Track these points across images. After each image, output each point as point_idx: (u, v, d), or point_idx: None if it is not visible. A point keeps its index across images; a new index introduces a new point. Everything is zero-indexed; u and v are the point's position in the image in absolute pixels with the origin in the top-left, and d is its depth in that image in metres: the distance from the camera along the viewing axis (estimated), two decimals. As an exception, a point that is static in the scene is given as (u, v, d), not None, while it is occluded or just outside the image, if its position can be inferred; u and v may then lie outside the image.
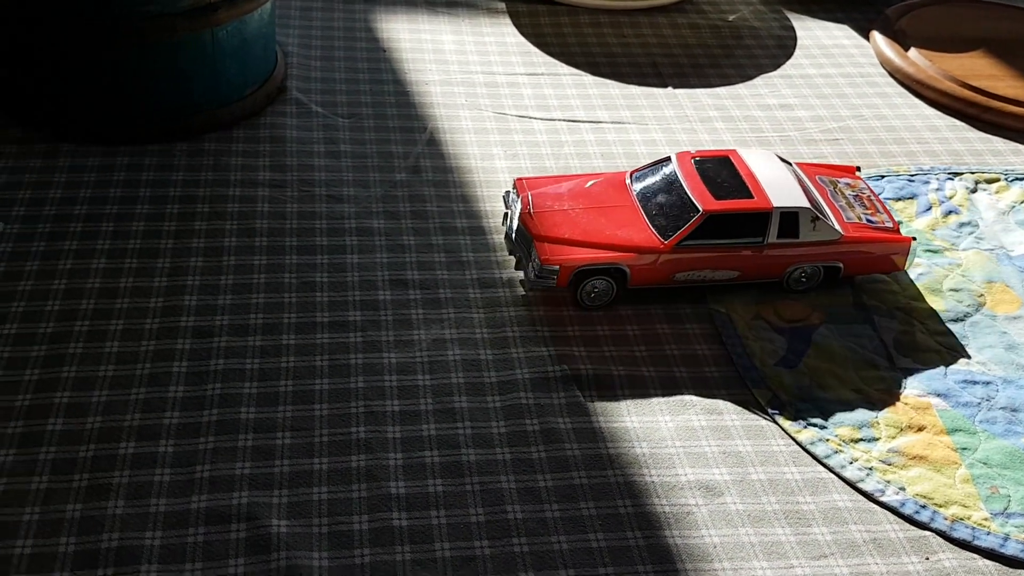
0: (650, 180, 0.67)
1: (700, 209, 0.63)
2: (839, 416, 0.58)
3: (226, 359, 0.59)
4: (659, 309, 0.66)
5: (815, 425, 0.57)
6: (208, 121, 0.78)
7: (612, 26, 1.02)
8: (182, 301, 0.63)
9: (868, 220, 0.67)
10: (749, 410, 0.59)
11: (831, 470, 0.55)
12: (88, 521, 0.49)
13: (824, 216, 0.65)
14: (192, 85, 0.76)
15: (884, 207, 0.69)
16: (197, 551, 0.49)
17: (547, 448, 0.55)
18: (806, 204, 0.64)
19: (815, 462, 0.56)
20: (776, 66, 0.99)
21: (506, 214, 0.68)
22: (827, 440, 0.56)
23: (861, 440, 0.57)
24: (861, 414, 0.58)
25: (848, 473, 0.55)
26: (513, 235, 0.66)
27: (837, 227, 0.65)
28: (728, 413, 0.58)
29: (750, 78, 0.96)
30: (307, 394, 0.57)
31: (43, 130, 0.76)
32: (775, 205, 0.63)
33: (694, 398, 0.59)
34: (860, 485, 0.54)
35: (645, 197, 0.66)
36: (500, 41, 0.98)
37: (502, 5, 1.04)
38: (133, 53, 0.72)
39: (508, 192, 0.68)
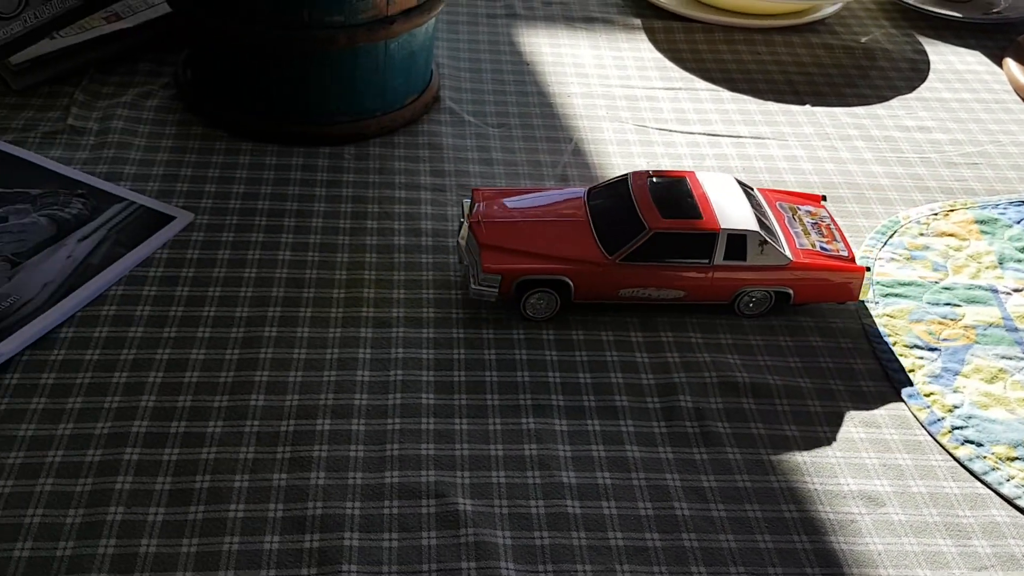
0: (604, 196, 0.68)
1: (647, 227, 0.64)
2: (995, 434, 0.59)
3: (405, 348, 0.63)
4: (810, 321, 0.68)
5: (972, 442, 0.59)
6: (375, 127, 0.83)
7: (746, 43, 1.05)
8: (361, 293, 0.67)
9: (822, 248, 0.67)
10: (907, 425, 0.60)
11: (989, 486, 0.56)
12: (293, 490, 0.54)
13: (774, 240, 0.65)
14: (364, 93, 0.81)
15: (842, 236, 0.69)
16: (393, 522, 0.53)
17: (708, 450, 0.58)
18: (755, 227, 0.64)
19: (973, 478, 0.57)
20: (911, 88, 0.99)
21: (461, 222, 0.68)
22: (984, 457, 0.58)
23: (1017, 459, 0.58)
24: (1017, 433, 0.60)
25: (1006, 490, 0.56)
26: (463, 243, 0.67)
27: (786, 252, 0.65)
28: (886, 427, 0.60)
29: (886, 99, 0.97)
30: (479, 384, 0.61)
31: (224, 129, 0.82)
32: (723, 227, 0.64)
33: (852, 411, 0.61)
34: (1018, 502, 0.56)
35: (597, 213, 0.67)
36: (637, 56, 1.01)
37: (638, 21, 1.08)
38: (315, 61, 0.77)
39: (465, 200, 0.69)
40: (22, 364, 0.60)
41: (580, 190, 0.70)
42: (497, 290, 0.64)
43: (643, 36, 1.05)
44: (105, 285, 0.66)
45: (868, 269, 0.66)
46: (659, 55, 1.01)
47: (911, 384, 0.63)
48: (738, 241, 0.64)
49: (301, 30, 0.75)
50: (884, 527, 0.54)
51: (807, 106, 0.95)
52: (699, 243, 0.64)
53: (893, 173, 0.85)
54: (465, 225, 0.67)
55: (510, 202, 0.68)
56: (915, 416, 0.61)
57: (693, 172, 0.69)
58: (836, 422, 0.60)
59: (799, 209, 0.71)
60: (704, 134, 0.88)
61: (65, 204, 0.72)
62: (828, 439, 0.59)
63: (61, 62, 0.86)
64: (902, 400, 0.62)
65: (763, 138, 0.89)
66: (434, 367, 0.62)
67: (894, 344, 0.66)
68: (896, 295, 0.70)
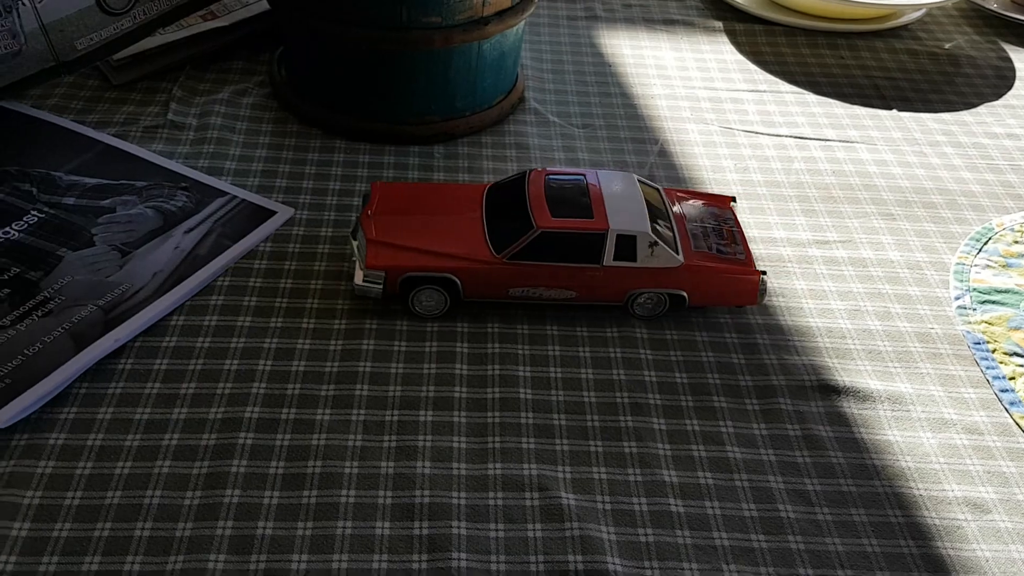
0: (501, 193, 0.68)
1: (534, 225, 0.63)
2: (1102, 446, 0.59)
3: (500, 344, 0.64)
4: (908, 327, 0.67)
5: (1078, 453, 0.58)
6: (463, 127, 0.84)
7: (829, 47, 1.04)
8: (458, 289, 0.68)
9: (719, 250, 0.66)
10: (1009, 432, 0.60)
11: (1097, 498, 0.56)
12: (401, 478, 0.55)
13: (666, 242, 0.64)
14: (456, 93, 0.82)
15: (743, 239, 0.67)
16: (499, 513, 0.54)
17: (811, 453, 0.58)
18: (646, 229, 0.63)
19: (1080, 489, 0.57)
20: (998, 95, 0.98)
21: (356, 216, 0.67)
22: (1091, 468, 0.57)
23: (1125, 472, 0.57)
24: (1124, 446, 0.59)
25: (1115, 503, 0.56)
26: (356, 235, 0.66)
27: (679, 255, 0.64)
28: (989, 434, 0.60)
29: (973, 106, 0.96)
30: (575, 381, 0.62)
31: (318, 127, 0.84)
32: (612, 227, 0.63)
33: (954, 416, 0.61)
34: None
35: (491, 209, 0.67)
36: (719, 58, 1.01)
37: (719, 24, 1.08)
38: (411, 61, 0.78)
39: (367, 195, 0.69)
40: (135, 350, 0.62)
41: (479, 187, 0.70)
42: (382, 287, 0.64)
43: (724, 38, 1.05)
44: (212, 276, 0.67)
45: (763, 273, 0.65)
46: (741, 57, 1.01)
47: (1012, 391, 0.62)
48: (628, 242, 0.63)
49: (398, 30, 0.77)
50: (990, 534, 0.54)
51: (894, 111, 0.94)
52: (588, 243, 0.63)
53: (984, 180, 0.84)
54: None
55: (409, 197, 0.68)
56: (1017, 424, 0.60)
57: (595, 171, 0.68)
58: (939, 428, 0.60)
59: (704, 210, 0.70)
60: (791, 136, 0.88)
61: (170, 197, 0.74)
62: (931, 445, 0.59)
63: (159, 58, 0.89)
64: (1004, 408, 0.61)
65: (851, 142, 0.88)
66: (530, 363, 0.63)
67: (993, 351, 0.65)
68: (993, 302, 0.70)
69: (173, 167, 0.77)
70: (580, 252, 0.64)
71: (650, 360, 0.64)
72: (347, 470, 0.55)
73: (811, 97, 0.95)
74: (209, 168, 0.78)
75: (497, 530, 0.53)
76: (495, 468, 0.56)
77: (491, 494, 0.55)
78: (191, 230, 0.71)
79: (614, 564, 0.51)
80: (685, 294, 0.65)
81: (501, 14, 0.80)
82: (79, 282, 0.65)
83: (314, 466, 0.55)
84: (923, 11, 1.10)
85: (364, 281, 0.64)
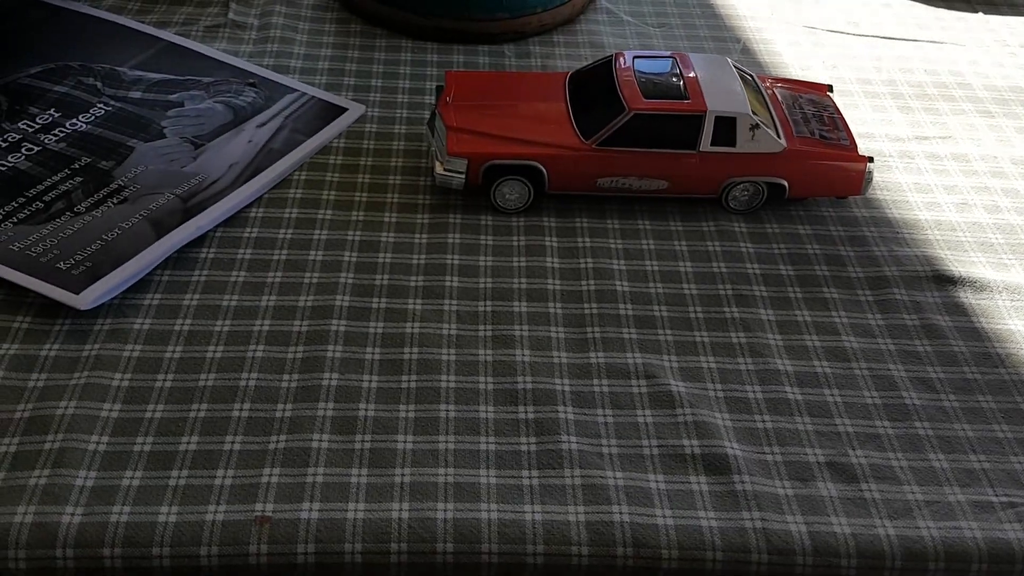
0: (587, 79, 0.64)
1: (626, 108, 0.59)
2: None
3: (591, 238, 0.61)
4: (1017, 219, 0.64)
5: None
6: (535, 24, 0.80)
7: (909, -49, 0.99)
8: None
9: (822, 136, 0.62)
10: None
11: None
12: (500, 365, 0.52)
13: (767, 126, 0.60)
14: (530, -15, 0.78)
15: (845, 126, 0.63)
16: (605, 399, 0.51)
17: (931, 343, 0.55)
18: (746, 111, 0.59)
19: None
20: (1089, -2, 0.93)
21: (433, 107, 0.64)
22: None
23: None
24: None
25: None
26: (431, 129, 0.63)
27: (780, 139, 0.60)
28: (1119, 323, 0.56)
29: (1065, 8, 0.91)
30: (673, 274, 0.59)
31: (383, 26, 0.80)
32: (710, 108, 0.59)
33: (1080, 306, 0.58)
34: None
35: (577, 96, 0.63)
36: (794, -38, 0.96)
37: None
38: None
39: (440, 86, 0.65)
40: (217, 239, 0.59)
41: (560, 75, 0.66)
42: (464, 176, 0.60)
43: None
44: (289, 169, 0.65)
45: (871, 159, 0.61)
46: (817, -38, 0.96)
47: None
48: (727, 125, 0.59)
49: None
50: None
51: (980, 14, 0.89)
52: (684, 127, 0.59)
53: (1084, 80, 0.80)
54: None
55: (487, 86, 0.65)
56: None
57: (686, 54, 0.65)
58: (1063, 317, 0.57)
59: (801, 97, 0.66)
60: (878, 36, 0.84)
61: (239, 92, 0.71)
62: (1056, 334, 0.56)
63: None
64: None
65: (941, 42, 0.84)
66: (623, 256, 0.60)
67: (1112, 245, 0.62)
68: (1108, 197, 0.66)
69: (239, 63, 0.74)
70: (675, 137, 0.60)
71: (751, 253, 0.61)
72: (444, 357, 0.53)
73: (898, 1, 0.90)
74: (275, 66, 0.75)
75: (605, 415, 0.50)
76: (597, 357, 0.53)
77: (596, 381, 0.52)
78: (263, 125, 0.68)
79: (732, 448, 0.49)
80: (786, 183, 0.62)
81: (578, -98, 0.76)
82: (153, 171, 0.62)
83: (410, 353, 0.53)
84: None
85: (445, 170, 0.60)
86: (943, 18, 0.88)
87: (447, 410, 0.50)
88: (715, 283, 0.59)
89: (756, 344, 0.55)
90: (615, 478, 0.47)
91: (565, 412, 0.50)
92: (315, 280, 0.57)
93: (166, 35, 0.77)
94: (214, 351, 0.52)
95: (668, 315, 0.56)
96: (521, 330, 0.55)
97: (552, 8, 0.81)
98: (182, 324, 0.53)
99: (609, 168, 0.61)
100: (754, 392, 0.52)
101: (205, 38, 0.77)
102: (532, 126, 0.62)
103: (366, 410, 0.49)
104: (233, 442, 0.47)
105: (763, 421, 0.50)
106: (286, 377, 0.51)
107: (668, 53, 0.65)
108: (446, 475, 0.46)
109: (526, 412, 0.50)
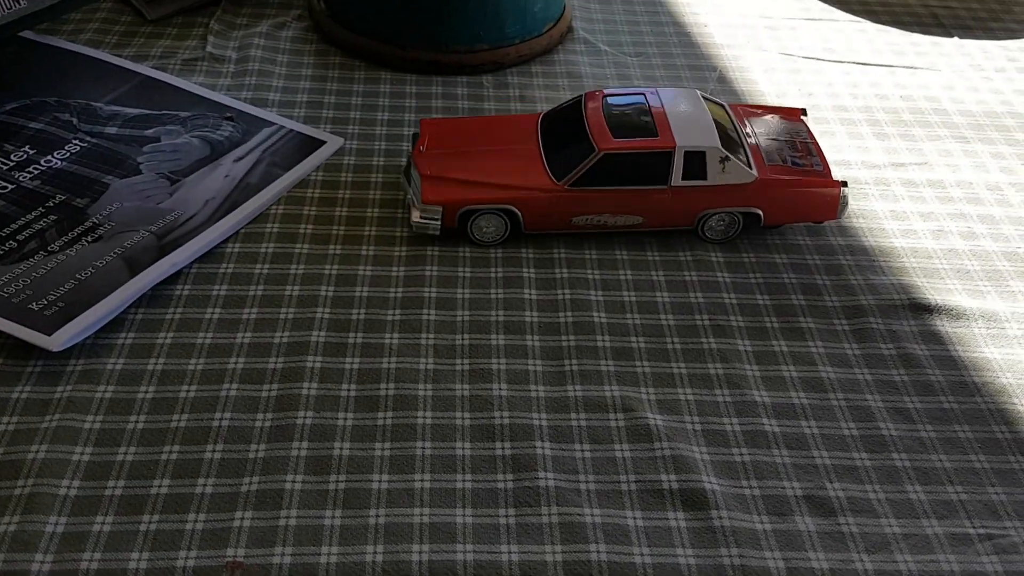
0: (557, 120, 0.64)
1: (596, 148, 0.59)
2: None
3: (569, 269, 0.61)
4: (993, 245, 0.64)
5: None
6: (513, 55, 0.80)
7: (883, -23, 1.00)
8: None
9: (794, 163, 0.62)
10: (1115, 348, 0.57)
11: None
12: (477, 399, 0.52)
13: (737, 157, 0.60)
14: (506, 17, 0.78)
15: (819, 150, 0.63)
16: (583, 433, 0.51)
17: (908, 372, 0.55)
18: (715, 144, 0.59)
19: None
20: (1062, 21, 0.94)
21: (408, 155, 0.65)
22: None
23: None
24: None
25: None
26: (406, 177, 0.63)
27: (751, 169, 0.61)
28: (1094, 349, 0.57)
29: (1037, 32, 0.92)
30: (650, 305, 0.59)
31: (362, 58, 0.81)
32: (679, 144, 0.59)
33: (1055, 333, 0.58)
34: None
35: (548, 137, 0.63)
36: (770, -11, 0.97)
37: (767, -45, 1.04)
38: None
39: (416, 134, 0.65)
40: (192, 276, 0.59)
41: (532, 117, 0.66)
42: (439, 222, 0.60)
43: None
44: (266, 203, 0.65)
45: (845, 184, 0.61)
46: (793, -12, 0.97)
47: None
48: (697, 159, 0.60)
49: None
50: (1107, 450, 0.51)
51: (955, 38, 0.90)
52: (654, 163, 0.60)
53: (1058, 103, 0.81)
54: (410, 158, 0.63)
55: (460, 132, 0.65)
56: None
57: (655, 89, 0.65)
58: (1039, 345, 0.57)
59: (773, 124, 0.66)
60: (854, 63, 0.85)
61: (216, 127, 0.71)
62: (1032, 362, 0.56)
63: (194, -8, 0.86)
64: (1106, 325, 0.58)
65: (916, 68, 0.84)
66: (601, 287, 0.60)
67: (1087, 270, 0.62)
68: (1082, 222, 0.66)
69: (216, 97, 0.74)
70: (646, 173, 0.60)
71: (728, 282, 0.61)
72: (421, 392, 0.52)
73: (868, 25, 0.91)
74: (253, 99, 0.75)
75: (583, 450, 0.50)
76: (575, 390, 0.53)
77: (573, 415, 0.52)
78: (240, 159, 0.68)
79: (710, 483, 0.48)
80: (760, 212, 0.62)
81: (554, -66, 0.76)
82: (128, 208, 0.62)
83: (387, 388, 0.52)
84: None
85: (422, 218, 0.60)
86: (918, 43, 0.89)
87: (423, 447, 0.49)
88: (692, 313, 0.59)
89: (733, 375, 0.55)
90: (592, 515, 0.47)
91: (543, 447, 0.50)
92: (291, 316, 0.57)
93: (143, 69, 0.77)
94: (187, 391, 0.52)
95: (646, 346, 0.56)
96: (499, 363, 0.54)
97: (530, 39, 0.82)
98: (155, 364, 0.53)
99: (583, 207, 0.61)
100: (731, 424, 0.52)
101: (183, 71, 0.77)
102: (505, 169, 0.62)
103: (341, 449, 0.49)
104: (205, 484, 0.47)
105: (741, 454, 0.50)
106: (260, 416, 0.50)
107: (638, 90, 0.65)
108: (421, 515, 0.46)
109: (503, 448, 0.50)
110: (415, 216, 0.61)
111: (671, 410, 0.52)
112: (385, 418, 0.51)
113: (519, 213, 0.61)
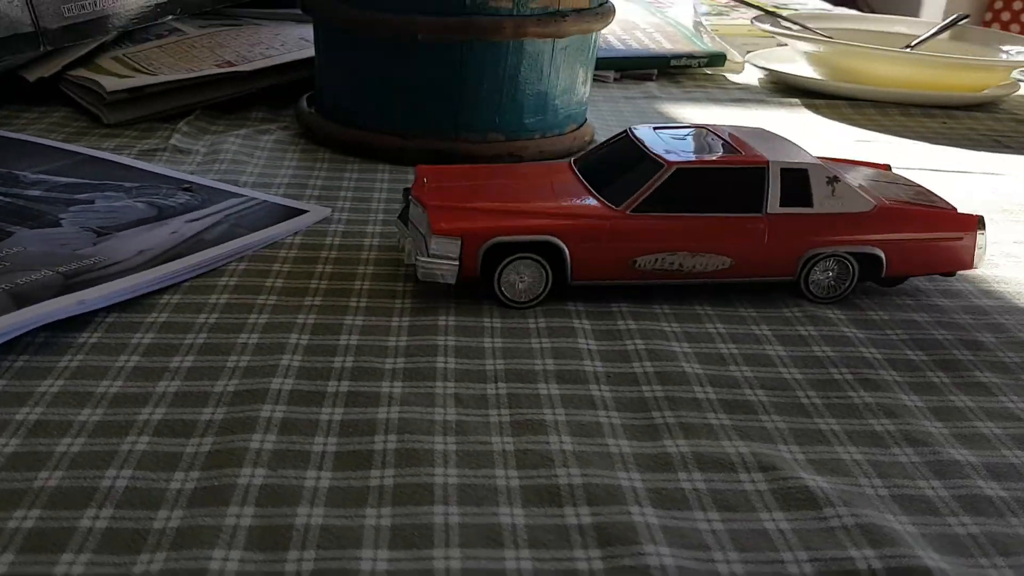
0: (597, 156, 0.50)
1: (665, 163, 0.46)
2: None
3: (635, 320, 0.44)
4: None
5: None
6: (533, 150, 0.68)
7: (925, 116, 0.92)
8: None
9: (911, 200, 0.48)
10: None
11: None
12: (527, 455, 0.33)
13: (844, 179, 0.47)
14: (524, 104, 0.66)
15: (936, 196, 0.50)
16: (702, 498, 0.31)
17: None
18: (816, 161, 0.46)
19: None
20: None
21: (403, 202, 0.50)
22: None
23: None
24: None
25: None
26: (407, 217, 0.48)
27: (867, 196, 0.47)
28: None
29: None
30: (759, 357, 0.42)
31: (358, 154, 0.68)
32: (771, 159, 0.46)
33: None
34: None
35: (590, 170, 0.49)
36: (806, 121, 0.88)
37: (796, 100, 0.96)
38: (474, 56, 0.63)
39: (407, 189, 0.50)
40: (106, 324, 0.41)
41: (560, 163, 0.52)
42: (457, 262, 0.43)
43: (806, 111, 0.92)
44: (221, 257, 0.48)
45: (980, 220, 0.47)
46: (832, 121, 0.88)
47: None
48: (798, 178, 0.45)
49: (462, 15, 0.63)
50: None
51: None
52: (743, 184, 0.45)
53: None
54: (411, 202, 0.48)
55: (471, 173, 0.50)
56: None
57: (717, 125, 0.52)
58: None
59: (867, 172, 0.53)
60: (937, 170, 0.73)
61: (169, 195, 0.56)
62: None
63: (161, 100, 0.74)
64: None
65: (999, 174, 0.73)
66: (686, 339, 0.43)
67: None
68: None
69: (173, 174, 0.60)
70: (733, 198, 0.45)
71: (862, 338, 0.44)
72: (439, 446, 0.33)
73: (935, 147, 0.81)
74: (222, 179, 0.61)
75: (709, 519, 0.30)
76: (677, 445, 0.34)
77: (683, 475, 0.33)
78: (195, 220, 0.52)
79: (933, 560, 0.29)
80: (882, 254, 0.46)
81: (579, 12, 0.67)
82: (34, 252, 0.46)
83: (385, 441, 0.33)
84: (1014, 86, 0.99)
85: (432, 256, 0.44)
86: (992, 159, 0.78)
87: (446, 514, 0.30)
88: (824, 367, 0.41)
89: (912, 432, 0.36)
90: (749, 607, 0.27)
91: (642, 514, 0.30)
92: (243, 364, 0.38)
93: (86, 150, 0.63)
94: (68, 444, 0.32)
95: (768, 400, 0.38)
96: (554, 414, 0.36)
97: (551, 136, 0.70)
98: (27, 413, 0.34)
99: (650, 242, 0.45)
100: (933, 488, 0.33)
101: (139, 158, 0.64)
102: (542, 196, 0.47)
103: (309, 517, 0.29)
104: (73, 564, 0.27)
105: (963, 524, 0.31)
106: (178, 476, 0.31)
107: (696, 125, 0.52)
108: (450, 610, 0.26)
109: (578, 516, 0.30)
110: (422, 257, 0.44)
111: (834, 471, 0.34)
112: (383, 477, 0.31)
113: (565, 250, 0.45)
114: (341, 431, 0.34)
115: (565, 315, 0.44)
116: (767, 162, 0.46)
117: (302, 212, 0.56)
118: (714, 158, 0.46)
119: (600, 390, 0.38)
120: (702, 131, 0.51)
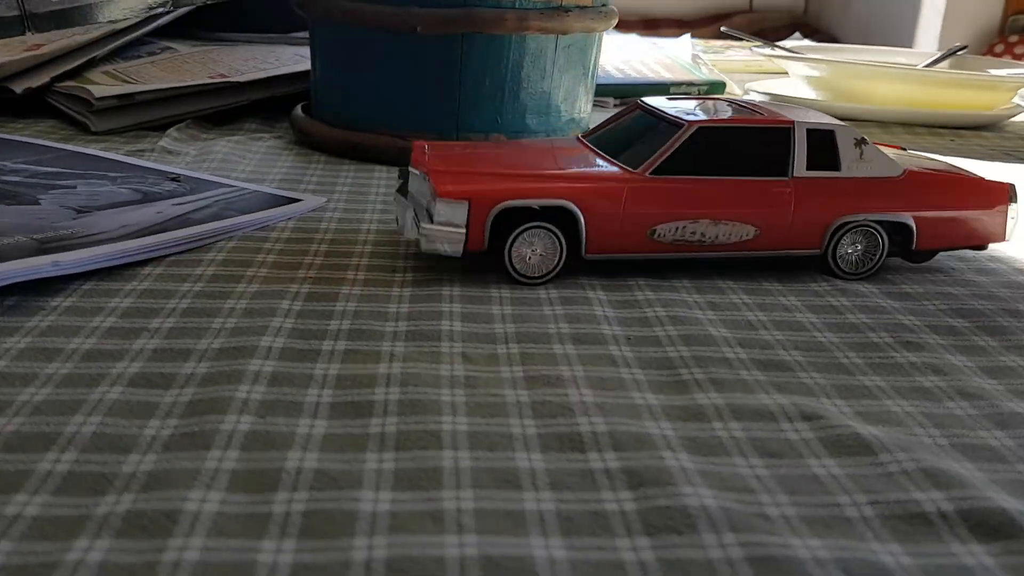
0: (608, 128, 0.48)
1: (686, 122, 0.42)
2: None
3: (654, 292, 0.41)
4: None
5: None
6: (539, 144, 0.66)
7: (932, 135, 0.90)
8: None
9: (936, 170, 0.45)
10: None
11: None
12: (545, 405, 0.30)
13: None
14: (528, 103, 0.64)
15: (958, 167, 0.47)
16: (742, 445, 0.28)
17: None
18: (843, 123, 0.44)
19: None
20: None
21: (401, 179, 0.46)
22: None
23: None
24: None
25: None
26: (406, 191, 0.45)
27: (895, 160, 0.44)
28: None
29: None
30: (792, 323, 0.38)
31: (353, 157, 0.65)
32: (797, 120, 0.43)
33: None
34: None
35: (603, 139, 0.46)
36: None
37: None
38: (475, 51, 0.62)
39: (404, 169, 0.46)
40: (82, 291, 0.38)
41: (570, 139, 0.49)
42: (463, 230, 0.40)
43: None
44: (207, 234, 0.45)
45: (1012, 187, 0.44)
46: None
47: None
48: (824, 140, 0.43)
49: (461, 6, 0.61)
50: None
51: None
52: (767, 145, 0.42)
53: None
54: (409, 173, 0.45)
55: (474, 148, 0.47)
56: None
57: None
58: None
59: (885, 149, 0.50)
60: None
61: (155, 184, 0.53)
62: None
63: (150, 109, 0.71)
64: None
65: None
66: (710, 308, 0.40)
67: None
68: None
69: (161, 168, 0.57)
70: (757, 160, 0.43)
71: (898, 307, 0.41)
72: (446, 397, 0.30)
73: (946, 159, 0.79)
74: (213, 173, 0.58)
75: (752, 465, 0.27)
76: (710, 397, 0.31)
77: (718, 424, 0.29)
78: (181, 204, 0.49)
79: (1007, 501, 0.25)
80: (913, 223, 0.44)
81: (583, 9, 0.65)
82: (8, 223, 0.42)
83: (387, 393, 0.30)
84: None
85: (438, 223, 0.40)
86: (1013, 170, 0.76)
87: (454, 458, 0.26)
88: (861, 331, 0.38)
89: (965, 387, 0.33)
90: (810, 548, 0.23)
91: (675, 459, 0.27)
92: (229, 325, 0.35)
93: (72, 147, 0.60)
94: (33, 394, 0.29)
95: (805, 359, 0.35)
96: (571, 370, 0.33)
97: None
98: (-13, 363, 0.31)
99: (671, 207, 0.42)
100: (997, 439, 0.29)
101: (126, 157, 0.61)
102: (554, 164, 0.44)
103: (301, 460, 0.26)
104: (26, 504, 0.23)
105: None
106: (153, 424, 0.27)
107: (713, 97, 0.50)
108: (463, 546, 0.22)
109: (603, 460, 0.27)
110: (425, 224, 0.41)
111: (885, 422, 0.30)
112: (384, 424, 0.28)
113: (580, 217, 0.42)
114: (338, 384, 0.31)
115: (579, 287, 0.41)
116: (792, 122, 0.43)
117: (296, 200, 0.53)
118: (738, 117, 0.43)
119: (620, 350, 0.35)
120: (720, 102, 0.48)
